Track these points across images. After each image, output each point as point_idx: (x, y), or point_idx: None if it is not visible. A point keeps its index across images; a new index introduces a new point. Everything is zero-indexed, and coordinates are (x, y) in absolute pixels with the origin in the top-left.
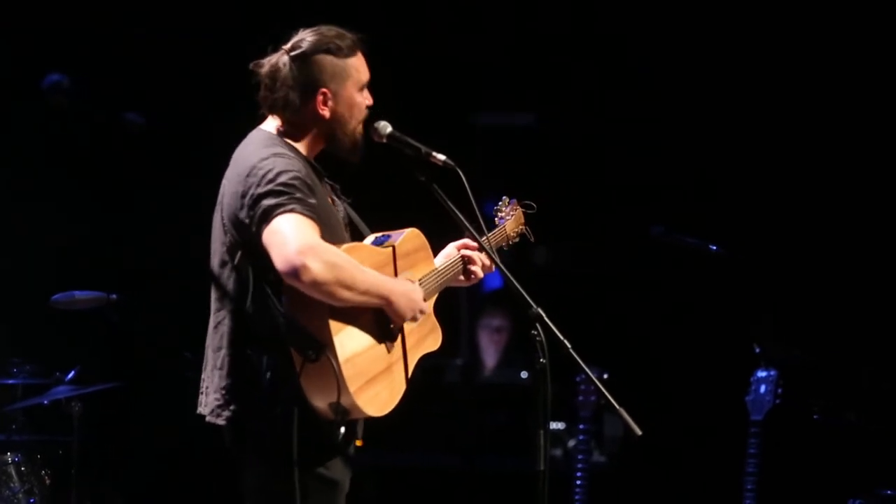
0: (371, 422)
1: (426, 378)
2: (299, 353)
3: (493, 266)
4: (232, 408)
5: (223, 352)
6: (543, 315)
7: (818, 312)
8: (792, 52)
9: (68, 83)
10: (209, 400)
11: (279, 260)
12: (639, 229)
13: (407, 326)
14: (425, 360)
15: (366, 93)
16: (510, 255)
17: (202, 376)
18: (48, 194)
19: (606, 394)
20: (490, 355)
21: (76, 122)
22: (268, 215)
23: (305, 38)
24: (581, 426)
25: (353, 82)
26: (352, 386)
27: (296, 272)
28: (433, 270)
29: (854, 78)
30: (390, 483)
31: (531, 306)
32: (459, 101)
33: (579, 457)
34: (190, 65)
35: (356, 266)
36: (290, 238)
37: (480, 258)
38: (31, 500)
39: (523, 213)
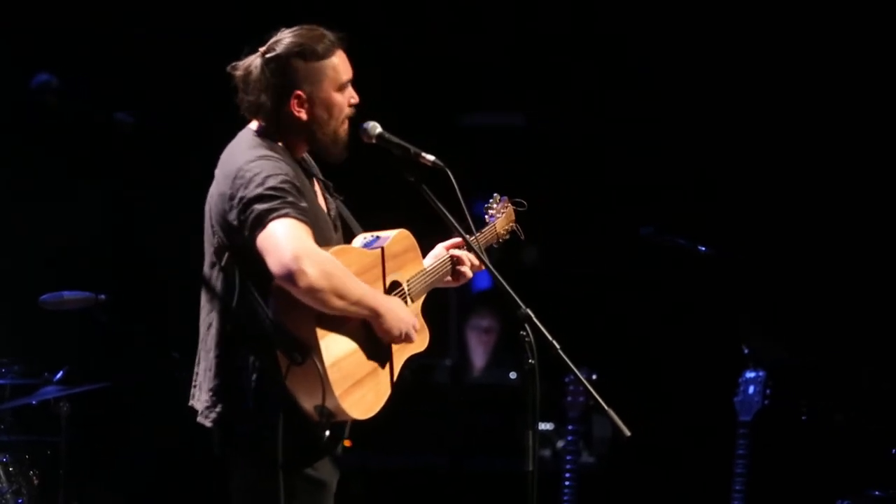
0: (359, 422)
1: (415, 378)
2: (285, 356)
3: (482, 265)
4: (218, 409)
5: (212, 353)
6: (532, 316)
7: (807, 314)
8: (790, 53)
9: (57, 83)
10: (202, 398)
11: (275, 265)
12: (628, 230)
13: None
14: (413, 360)
15: (349, 91)
16: (499, 255)
17: (195, 370)
18: (38, 194)
19: (595, 394)
20: (479, 356)
21: (68, 121)
22: (262, 220)
23: (281, 39)
24: (570, 427)
25: (330, 83)
26: (337, 389)
27: (292, 278)
28: (421, 271)
29: (850, 80)
30: (378, 483)
31: (520, 307)
32: (449, 101)
33: (568, 457)
34: (187, 64)
35: (350, 276)
36: (286, 243)
37: (469, 258)
38: (20, 501)
39: (514, 210)
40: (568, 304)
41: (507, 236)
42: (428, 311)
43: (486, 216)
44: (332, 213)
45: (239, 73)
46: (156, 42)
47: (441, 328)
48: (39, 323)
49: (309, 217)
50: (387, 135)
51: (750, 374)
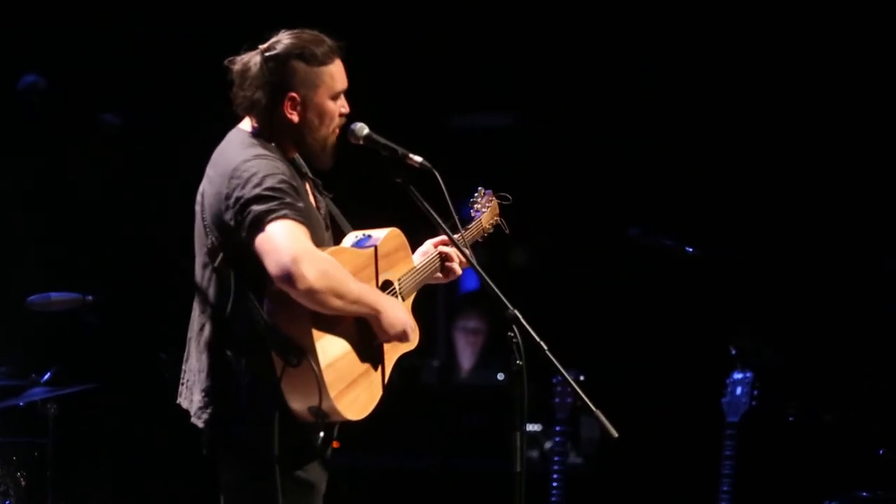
0: (347, 423)
1: (402, 379)
2: (280, 358)
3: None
4: (210, 410)
5: (205, 354)
6: (520, 317)
7: (794, 315)
8: (789, 53)
9: (44, 84)
10: (194, 399)
11: (274, 267)
12: (616, 230)
13: None
14: (401, 361)
15: (341, 100)
16: (486, 256)
17: (183, 368)
18: (26, 194)
19: (583, 395)
20: (466, 357)
21: (55, 121)
22: (260, 221)
23: (282, 39)
24: (557, 428)
25: (325, 89)
26: (332, 391)
27: (291, 280)
28: (412, 269)
29: (849, 80)
30: (366, 484)
31: (507, 308)
32: (440, 102)
33: (555, 458)
34: (182, 63)
35: (348, 276)
36: (284, 245)
37: (458, 255)
38: (7, 502)
39: (498, 204)
40: (555, 305)
41: (492, 230)
42: (415, 312)
43: (472, 211)
44: (323, 211)
45: (237, 67)
46: (153, 42)
47: (429, 329)
48: (27, 324)
49: (306, 218)
50: (374, 136)
51: (737, 375)
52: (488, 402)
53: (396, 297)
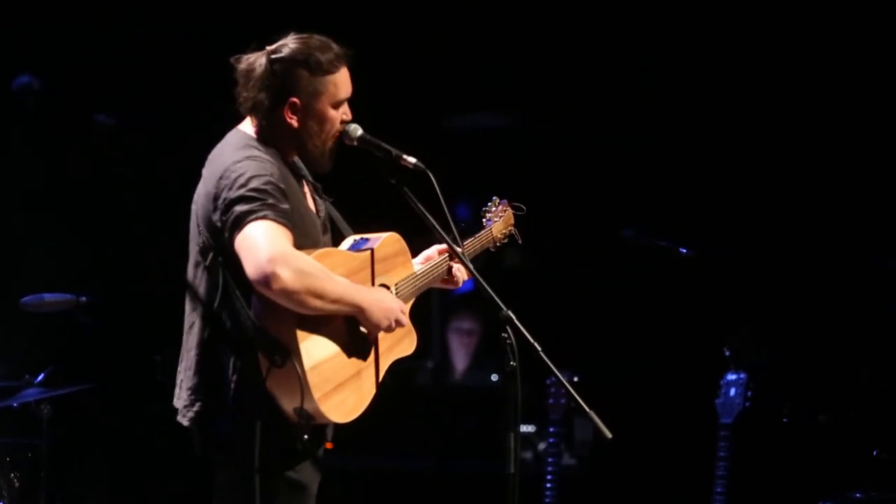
0: (341, 424)
1: (396, 380)
2: (266, 358)
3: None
4: (196, 408)
5: (193, 352)
6: (514, 318)
7: (788, 315)
8: (789, 54)
9: (38, 85)
10: (181, 396)
11: (250, 268)
12: (610, 231)
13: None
14: (396, 362)
15: (344, 108)
16: (480, 257)
17: (178, 368)
18: (19, 195)
19: (577, 397)
20: (460, 358)
21: (49, 121)
22: (240, 221)
23: (289, 43)
24: (551, 429)
25: (328, 98)
26: (316, 393)
27: (266, 280)
28: (411, 275)
29: (847, 80)
30: (360, 485)
31: (501, 309)
32: (431, 103)
33: (549, 459)
34: (181, 63)
35: (328, 275)
36: (262, 246)
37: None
38: (1, 503)
39: (513, 214)
40: (549, 306)
41: (506, 240)
42: (411, 314)
43: (483, 220)
44: (322, 214)
45: (242, 66)
46: (149, 42)
47: (423, 330)
48: (20, 325)
49: (292, 220)
50: (368, 137)
51: (731, 377)
52: (482, 404)
53: None
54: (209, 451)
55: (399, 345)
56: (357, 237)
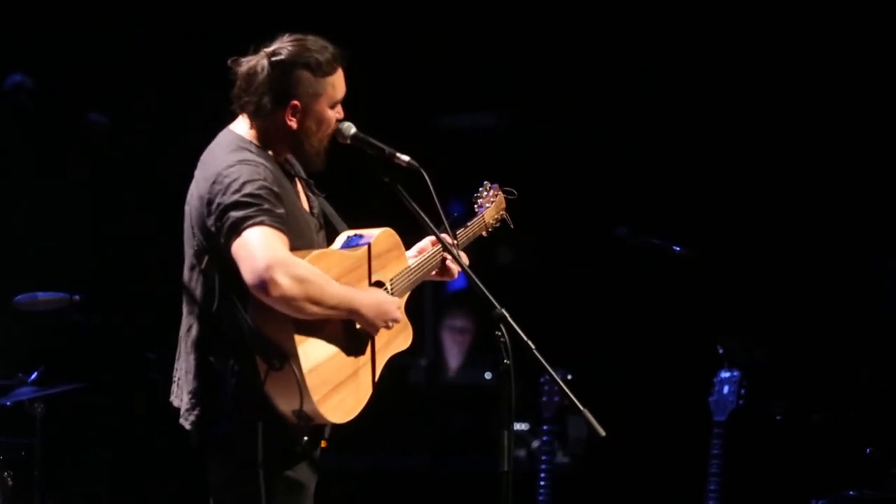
0: (335, 424)
1: (390, 378)
2: (264, 361)
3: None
4: (197, 412)
5: (192, 356)
6: (507, 316)
7: (782, 313)
8: (788, 54)
9: (30, 84)
10: (182, 399)
11: (248, 274)
12: (605, 229)
13: None
14: (390, 359)
15: (338, 108)
16: (473, 254)
17: (175, 366)
18: (13, 193)
19: (570, 395)
20: (454, 356)
21: (42, 120)
22: (236, 228)
23: (287, 46)
24: (545, 427)
25: (326, 99)
26: (315, 395)
27: (264, 287)
28: (406, 269)
29: (843, 84)
30: (354, 484)
31: (495, 307)
32: (430, 103)
33: (543, 457)
34: (177, 63)
35: (326, 280)
36: (259, 252)
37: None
38: None
39: (505, 198)
40: (543, 304)
41: (497, 225)
42: (405, 311)
43: (475, 206)
44: (315, 211)
45: (242, 69)
46: (144, 42)
47: (416, 328)
48: (14, 324)
49: (286, 223)
50: (361, 135)
51: (725, 374)
52: (476, 402)
53: None
54: (206, 451)
55: (395, 340)
56: (351, 233)
